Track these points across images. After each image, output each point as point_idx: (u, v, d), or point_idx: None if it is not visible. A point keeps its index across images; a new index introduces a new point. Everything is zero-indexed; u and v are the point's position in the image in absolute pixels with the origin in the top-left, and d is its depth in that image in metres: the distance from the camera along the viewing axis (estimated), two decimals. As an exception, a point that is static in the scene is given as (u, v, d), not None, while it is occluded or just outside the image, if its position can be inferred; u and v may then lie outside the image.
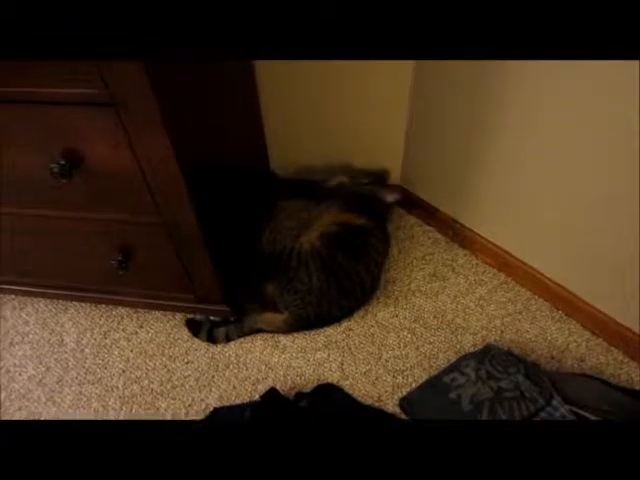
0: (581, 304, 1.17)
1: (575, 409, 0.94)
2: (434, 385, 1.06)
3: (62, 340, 1.26)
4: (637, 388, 1.06)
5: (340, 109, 1.31)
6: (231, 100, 1.13)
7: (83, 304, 1.32)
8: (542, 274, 1.22)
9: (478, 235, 1.32)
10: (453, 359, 1.13)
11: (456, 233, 1.37)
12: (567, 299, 1.19)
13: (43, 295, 1.27)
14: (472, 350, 1.14)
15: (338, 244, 1.18)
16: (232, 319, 1.21)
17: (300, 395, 1.10)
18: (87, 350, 1.24)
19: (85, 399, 1.16)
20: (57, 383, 1.19)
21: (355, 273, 1.19)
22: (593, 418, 0.93)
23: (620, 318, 1.11)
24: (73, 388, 1.18)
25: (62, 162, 0.81)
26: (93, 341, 1.25)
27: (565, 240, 1.13)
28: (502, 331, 1.20)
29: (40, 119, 0.78)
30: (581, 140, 0.97)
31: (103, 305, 1.31)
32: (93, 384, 1.18)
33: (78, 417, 1.13)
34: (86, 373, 1.20)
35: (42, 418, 1.13)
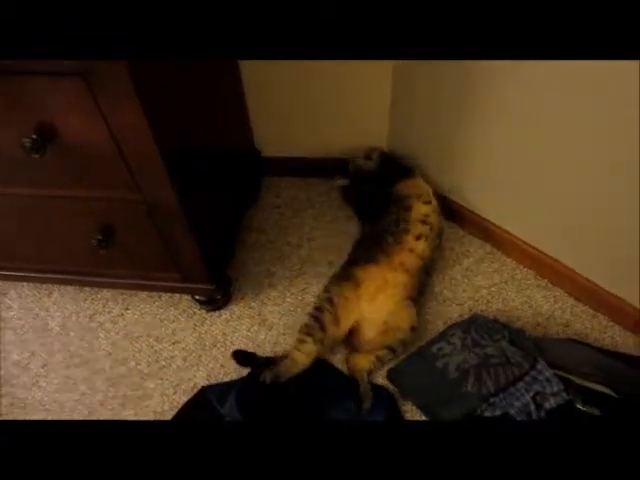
0: (566, 271, 1.17)
1: (559, 373, 0.95)
2: (421, 355, 1.06)
3: (47, 324, 1.25)
4: (620, 350, 1.07)
5: (324, 81, 1.28)
6: (210, 73, 1.10)
7: (68, 288, 1.31)
8: (527, 244, 1.23)
9: (463, 207, 1.31)
10: (440, 330, 1.13)
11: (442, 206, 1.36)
12: (552, 267, 1.20)
13: (26, 279, 1.25)
14: (459, 320, 1.14)
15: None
16: (218, 297, 1.20)
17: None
18: (72, 333, 1.23)
19: (72, 382, 1.15)
20: (42, 367, 1.18)
21: None
22: (576, 380, 0.94)
23: (604, 284, 1.12)
24: (59, 372, 1.17)
25: (34, 137, 0.79)
26: (78, 324, 1.24)
27: (548, 209, 1.13)
28: (488, 301, 1.20)
29: (8, 91, 0.76)
30: (567, 107, 0.96)
31: (88, 288, 1.30)
32: (79, 367, 1.17)
33: (65, 400, 1.12)
34: (72, 356, 1.19)
35: (28, 403, 1.12)
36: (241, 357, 1.13)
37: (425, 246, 1.16)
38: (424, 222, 1.17)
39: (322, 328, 1.06)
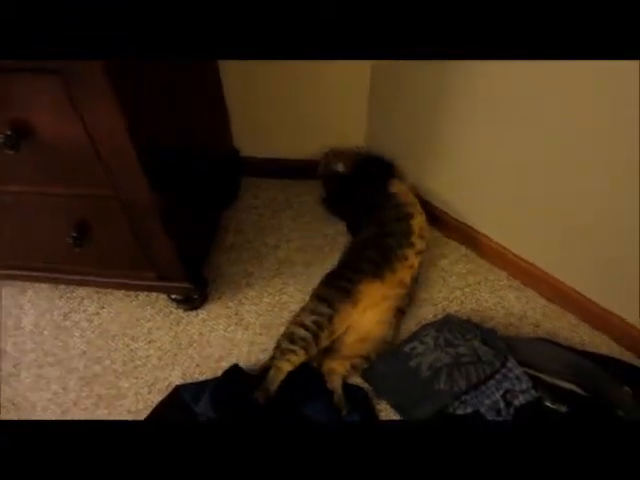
0: (538, 273, 1.20)
1: (529, 371, 0.97)
2: (395, 355, 1.08)
3: (20, 323, 1.23)
4: (588, 349, 1.10)
5: (302, 82, 1.29)
6: (189, 73, 1.10)
7: (42, 285, 1.29)
8: (502, 246, 1.25)
9: (441, 210, 1.33)
10: (414, 330, 1.14)
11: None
12: (525, 269, 1.22)
13: (-1, 277, 1.23)
14: (433, 320, 1.16)
15: None
16: (195, 296, 1.20)
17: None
18: (46, 332, 1.21)
19: (44, 381, 1.14)
20: (14, 367, 1.16)
21: None
22: (546, 379, 0.96)
23: (574, 285, 1.15)
24: (31, 371, 1.15)
25: (9, 133, 0.78)
26: (52, 323, 1.22)
27: (524, 212, 1.15)
28: (462, 301, 1.22)
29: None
30: (547, 109, 0.97)
31: (63, 286, 1.28)
32: (53, 366, 1.16)
33: (37, 400, 1.11)
34: (45, 355, 1.17)
35: (-1, 402, 1.11)
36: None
37: (419, 260, 1.18)
38: (422, 237, 1.19)
39: (317, 344, 1.06)
